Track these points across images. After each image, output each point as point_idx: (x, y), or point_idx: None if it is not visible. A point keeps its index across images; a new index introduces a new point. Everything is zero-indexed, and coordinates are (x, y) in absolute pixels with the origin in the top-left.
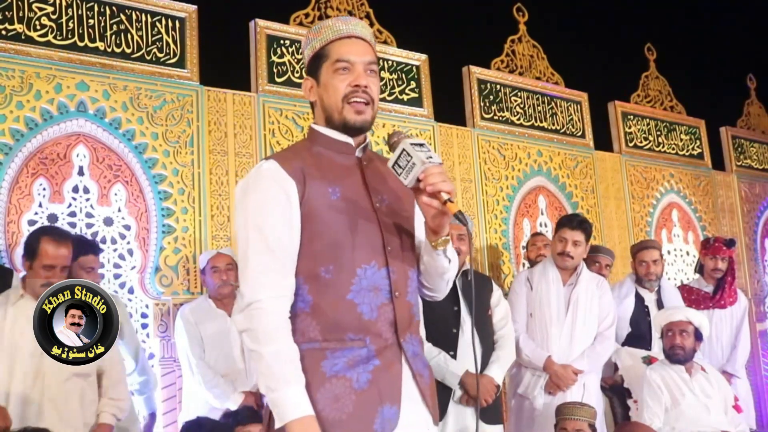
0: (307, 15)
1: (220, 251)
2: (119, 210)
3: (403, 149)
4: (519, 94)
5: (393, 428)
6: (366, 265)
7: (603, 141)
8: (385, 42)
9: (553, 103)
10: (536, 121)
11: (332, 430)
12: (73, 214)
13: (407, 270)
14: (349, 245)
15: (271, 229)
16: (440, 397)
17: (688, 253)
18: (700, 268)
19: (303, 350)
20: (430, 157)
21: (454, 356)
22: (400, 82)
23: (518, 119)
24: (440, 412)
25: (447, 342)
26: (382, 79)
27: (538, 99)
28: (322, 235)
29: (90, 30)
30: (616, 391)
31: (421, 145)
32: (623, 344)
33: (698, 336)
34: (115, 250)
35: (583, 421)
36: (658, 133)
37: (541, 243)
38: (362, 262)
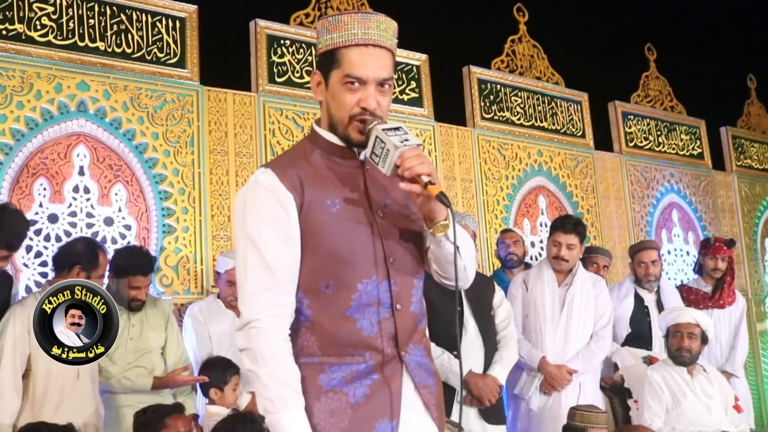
0: (307, 15)
1: None
2: (120, 210)
3: (376, 137)
4: (519, 94)
5: None
6: (367, 280)
7: (603, 141)
8: None
9: (553, 103)
10: (536, 121)
11: None
12: (73, 214)
13: (411, 280)
14: (350, 260)
15: (268, 247)
16: (445, 397)
17: (688, 253)
18: (699, 268)
19: (301, 364)
20: (406, 140)
21: (457, 356)
22: (400, 82)
23: (518, 119)
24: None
25: (450, 342)
26: None
27: (538, 99)
28: (321, 250)
29: (90, 30)
30: (616, 391)
31: (397, 129)
32: (623, 344)
33: (704, 338)
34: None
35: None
36: (659, 133)
37: (510, 240)
38: (363, 276)
